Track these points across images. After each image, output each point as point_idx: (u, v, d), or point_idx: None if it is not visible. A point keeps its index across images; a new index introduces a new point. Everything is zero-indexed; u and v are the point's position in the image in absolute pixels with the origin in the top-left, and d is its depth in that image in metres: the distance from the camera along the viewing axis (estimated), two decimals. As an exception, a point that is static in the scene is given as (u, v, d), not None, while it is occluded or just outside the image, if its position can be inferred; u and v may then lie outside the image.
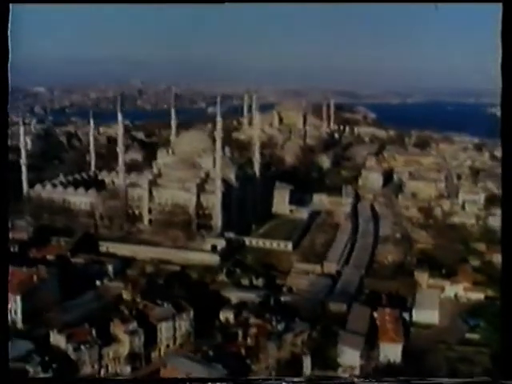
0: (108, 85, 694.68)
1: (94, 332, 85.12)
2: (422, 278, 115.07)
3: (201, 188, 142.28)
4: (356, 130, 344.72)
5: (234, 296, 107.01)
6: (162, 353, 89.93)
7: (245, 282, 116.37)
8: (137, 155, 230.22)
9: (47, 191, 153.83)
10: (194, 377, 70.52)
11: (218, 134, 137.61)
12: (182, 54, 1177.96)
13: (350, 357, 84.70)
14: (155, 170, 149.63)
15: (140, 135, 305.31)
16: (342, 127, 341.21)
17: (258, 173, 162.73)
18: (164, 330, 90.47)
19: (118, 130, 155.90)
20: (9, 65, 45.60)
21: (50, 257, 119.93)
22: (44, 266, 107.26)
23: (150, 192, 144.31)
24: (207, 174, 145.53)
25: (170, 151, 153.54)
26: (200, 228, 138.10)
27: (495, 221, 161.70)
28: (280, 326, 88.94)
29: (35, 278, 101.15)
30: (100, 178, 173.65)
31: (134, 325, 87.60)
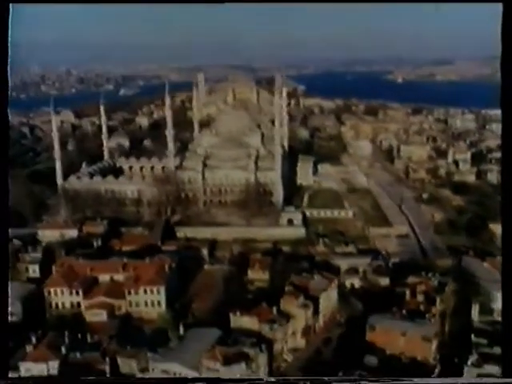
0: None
1: (274, 310, 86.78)
2: (496, 228, 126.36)
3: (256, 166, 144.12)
4: (302, 101, 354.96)
5: (345, 263, 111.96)
6: (320, 322, 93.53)
7: (339, 249, 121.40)
8: (123, 140, 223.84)
9: (84, 182, 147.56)
10: (193, 377, 72.70)
11: (278, 107, 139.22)
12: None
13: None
14: (201, 151, 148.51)
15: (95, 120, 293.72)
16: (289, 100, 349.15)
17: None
18: (323, 300, 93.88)
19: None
20: (9, 64, 46.18)
21: (139, 247, 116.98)
22: (161, 255, 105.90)
23: (203, 174, 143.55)
24: (257, 152, 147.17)
25: (214, 131, 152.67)
26: (261, 205, 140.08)
27: (493, 177, 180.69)
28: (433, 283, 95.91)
29: (167, 267, 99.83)
30: (118, 165, 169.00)
31: (301, 298, 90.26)
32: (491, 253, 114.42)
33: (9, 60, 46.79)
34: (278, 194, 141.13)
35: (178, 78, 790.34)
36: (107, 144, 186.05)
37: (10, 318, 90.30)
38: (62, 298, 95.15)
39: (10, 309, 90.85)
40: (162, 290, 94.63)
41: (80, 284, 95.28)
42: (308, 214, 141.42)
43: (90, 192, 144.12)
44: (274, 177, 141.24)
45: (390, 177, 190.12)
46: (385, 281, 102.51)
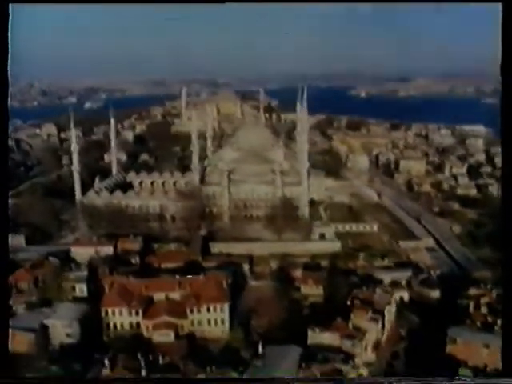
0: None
1: (350, 325, 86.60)
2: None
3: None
4: (282, 116, 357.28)
5: (388, 277, 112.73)
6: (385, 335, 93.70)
7: (377, 263, 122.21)
8: (120, 155, 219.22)
9: (104, 198, 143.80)
10: (193, 377, 74.03)
11: (303, 126, 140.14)
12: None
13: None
14: (223, 166, 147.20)
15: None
16: (269, 114, 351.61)
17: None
18: (387, 313, 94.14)
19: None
20: (9, 64, 45.74)
21: (179, 264, 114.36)
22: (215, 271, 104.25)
23: (228, 188, 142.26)
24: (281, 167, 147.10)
25: (235, 147, 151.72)
26: (290, 219, 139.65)
27: (493, 190, 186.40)
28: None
29: (224, 284, 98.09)
30: (128, 180, 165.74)
31: (370, 312, 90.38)
32: None
33: (9, 60, 46.10)
34: (305, 209, 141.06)
35: (142, 91, 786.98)
36: (109, 158, 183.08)
37: (66, 339, 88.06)
38: (120, 318, 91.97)
39: (66, 330, 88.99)
40: (226, 307, 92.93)
41: (139, 303, 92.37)
42: (334, 228, 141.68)
43: (111, 208, 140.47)
44: (300, 192, 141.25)
45: (393, 191, 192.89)
46: (435, 293, 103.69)
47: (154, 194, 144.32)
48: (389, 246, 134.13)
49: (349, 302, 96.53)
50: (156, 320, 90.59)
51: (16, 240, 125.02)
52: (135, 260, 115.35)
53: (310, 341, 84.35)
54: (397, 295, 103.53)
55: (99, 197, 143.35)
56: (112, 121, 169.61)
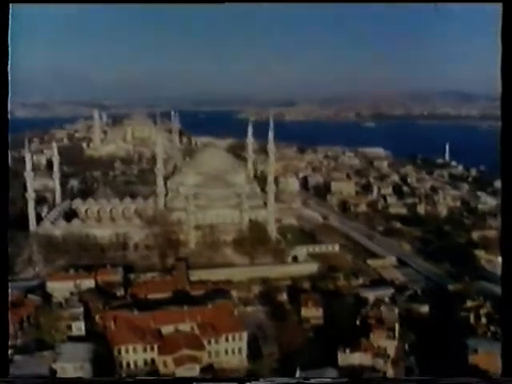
0: None
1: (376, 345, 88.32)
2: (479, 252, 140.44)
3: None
4: (193, 139, 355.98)
5: (371, 295, 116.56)
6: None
7: (354, 283, 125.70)
8: (47, 180, 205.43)
9: (61, 228, 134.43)
10: (193, 376, 78.50)
11: (271, 149, 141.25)
12: None
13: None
14: (186, 191, 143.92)
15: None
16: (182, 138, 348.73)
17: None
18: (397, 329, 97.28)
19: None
20: (9, 64, 46.71)
21: (166, 294, 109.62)
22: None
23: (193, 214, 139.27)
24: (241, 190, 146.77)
25: (196, 171, 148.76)
26: (259, 243, 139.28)
27: (421, 208, 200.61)
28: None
29: (236, 312, 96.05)
30: (73, 207, 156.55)
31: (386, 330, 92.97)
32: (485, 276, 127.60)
33: (9, 61, 46.30)
34: (273, 232, 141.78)
35: (25, 113, 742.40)
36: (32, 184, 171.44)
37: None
38: (134, 355, 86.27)
39: (78, 373, 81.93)
40: (244, 335, 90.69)
41: (152, 338, 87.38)
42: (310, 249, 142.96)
43: (69, 238, 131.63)
44: (266, 215, 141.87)
45: (328, 212, 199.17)
46: (424, 308, 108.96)
47: (116, 222, 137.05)
48: (355, 265, 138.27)
49: (358, 322, 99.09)
50: (175, 354, 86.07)
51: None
52: (120, 292, 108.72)
53: (341, 362, 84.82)
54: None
55: (56, 226, 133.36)
56: (55, 144, 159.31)
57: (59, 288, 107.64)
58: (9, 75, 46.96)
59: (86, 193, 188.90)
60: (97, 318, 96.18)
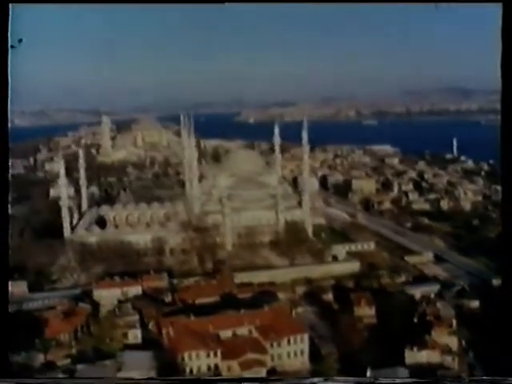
0: None
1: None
2: None
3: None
4: (202, 143, 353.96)
5: (418, 292, 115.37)
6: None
7: (399, 280, 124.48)
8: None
9: (96, 234, 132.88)
10: (193, 377, 78.06)
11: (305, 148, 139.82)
12: None
13: None
14: (219, 193, 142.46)
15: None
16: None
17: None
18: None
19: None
20: (9, 65, 45.43)
21: (214, 298, 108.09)
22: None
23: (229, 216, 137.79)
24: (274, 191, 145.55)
25: (229, 173, 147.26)
26: (297, 244, 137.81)
27: (444, 204, 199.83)
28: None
29: (293, 313, 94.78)
30: (102, 213, 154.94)
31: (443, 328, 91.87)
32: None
33: (9, 61, 44.61)
34: (310, 232, 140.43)
35: (25, 122, 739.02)
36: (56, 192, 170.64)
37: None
38: (197, 361, 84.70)
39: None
40: (306, 337, 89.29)
41: (215, 343, 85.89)
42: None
43: (104, 244, 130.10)
44: (301, 215, 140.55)
45: (353, 210, 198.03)
46: (475, 303, 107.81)
47: (151, 227, 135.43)
48: (394, 263, 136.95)
49: (416, 319, 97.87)
50: (241, 359, 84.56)
51: (17, 287, 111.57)
52: (167, 298, 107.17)
53: (408, 360, 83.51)
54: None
55: (90, 233, 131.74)
56: (80, 151, 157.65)
57: (106, 296, 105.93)
58: (9, 75, 44.97)
59: (107, 199, 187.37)
60: (151, 324, 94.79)
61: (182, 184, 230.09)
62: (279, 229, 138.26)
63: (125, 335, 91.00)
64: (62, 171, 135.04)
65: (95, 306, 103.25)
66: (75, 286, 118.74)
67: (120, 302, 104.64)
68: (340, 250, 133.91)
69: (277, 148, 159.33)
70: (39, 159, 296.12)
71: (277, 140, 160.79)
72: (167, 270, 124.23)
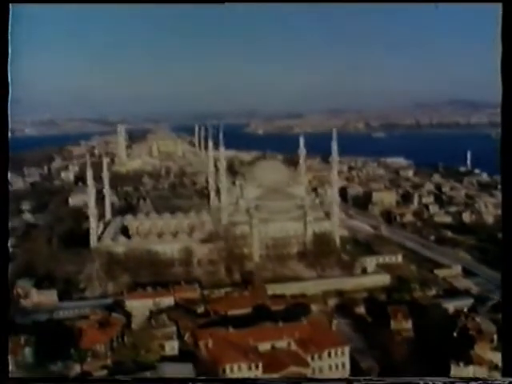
0: None
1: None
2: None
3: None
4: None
5: (451, 305, 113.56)
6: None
7: (430, 293, 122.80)
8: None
9: (122, 243, 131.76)
10: (193, 377, 75.22)
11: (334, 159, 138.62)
12: None
13: None
14: (247, 204, 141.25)
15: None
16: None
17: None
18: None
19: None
20: (9, 65, 46.06)
21: (246, 310, 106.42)
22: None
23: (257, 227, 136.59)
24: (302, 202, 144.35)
25: (256, 184, 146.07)
26: (321, 255, 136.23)
27: (466, 217, 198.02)
28: None
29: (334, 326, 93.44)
30: (125, 223, 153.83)
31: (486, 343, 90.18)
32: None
33: (9, 61, 45.52)
34: (337, 243, 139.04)
35: (32, 131, 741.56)
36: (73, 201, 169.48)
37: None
38: (238, 374, 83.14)
39: None
40: (347, 350, 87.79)
41: (256, 356, 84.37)
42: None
43: (131, 254, 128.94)
44: (330, 226, 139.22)
45: (374, 222, 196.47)
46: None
47: (177, 237, 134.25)
48: (422, 276, 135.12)
49: (456, 334, 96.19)
50: (282, 372, 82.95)
51: (46, 296, 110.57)
52: (200, 309, 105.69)
53: (454, 375, 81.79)
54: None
55: (116, 243, 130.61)
56: (105, 160, 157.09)
57: (138, 306, 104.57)
58: (9, 76, 45.85)
59: (127, 208, 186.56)
60: (186, 336, 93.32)
61: (200, 194, 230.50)
62: (307, 240, 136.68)
63: (161, 346, 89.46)
64: (91, 180, 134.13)
65: (127, 316, 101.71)
66: (104, 295, 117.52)
67: (152, 312, 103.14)
68: (370, 262, 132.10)
69: (302, 159, 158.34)
70: (53, 168, 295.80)
71: (302, 151, 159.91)
72: (195, 280, 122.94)
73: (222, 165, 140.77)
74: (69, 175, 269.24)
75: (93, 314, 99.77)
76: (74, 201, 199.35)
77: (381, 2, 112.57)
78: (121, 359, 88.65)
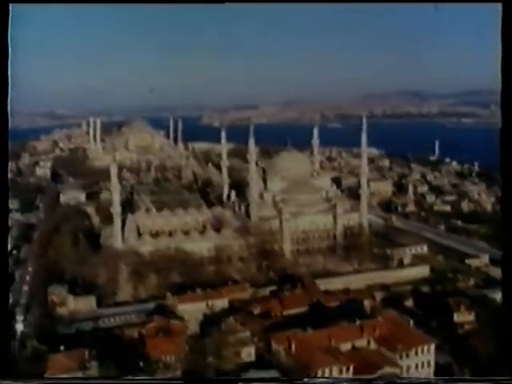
0: None
1: None
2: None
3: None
4: (190, 146, 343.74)
5: (497, 296, 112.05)
6: None
7: (470, 284, 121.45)
8: (78, 193, 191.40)
9: (148, 243, 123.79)
10: (193, 377, 76.14)
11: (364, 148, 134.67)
12: None
13: None
14: (277, 198, 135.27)
15: None
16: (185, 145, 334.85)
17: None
18: None
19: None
20: (9, 64, 45.39)
21: (303, 308, 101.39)
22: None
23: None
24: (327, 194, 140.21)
25: (279, 176, 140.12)
26: (354, 248, 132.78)
27: (465, 206, 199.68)
28: None
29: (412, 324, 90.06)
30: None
31: None
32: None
33: (9, 61, 45.05)
34: (366, 236, 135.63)
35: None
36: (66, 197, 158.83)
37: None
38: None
39: None
40: (432, 348, 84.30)
41: (347, 358, 79.69)
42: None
43: (157, 254, 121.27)
44: (360, 218, 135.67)
45: (375, 212, 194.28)
46: None
47: (205, 234, 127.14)
48: (452, 266, 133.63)
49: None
50: (376, 374, 78.47)
51: (84, 303, 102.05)
52: (256, 310, 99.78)
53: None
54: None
55: (141, 243, 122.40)
56: (112, 157, 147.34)
57: (190, 310, 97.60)
58: (9, 76, 45.27)
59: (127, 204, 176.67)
60: (257, 339, 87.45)
61: (189, 188, 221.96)
62: (338, 233, 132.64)
63: (237, 354, 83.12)
64: (115, 178, 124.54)
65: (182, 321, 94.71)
66: (142, 299, 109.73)
67: (206, 316, 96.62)
68: (407, 254, 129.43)
69: (315, 150, 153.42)
70: (23, 164, 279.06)
71: (315, 142, 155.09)
72: (230, 279, 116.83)
73: (252, 158, 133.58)
74: (46, 171, 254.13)
75: (149, 321, 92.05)
76: (65, 198, 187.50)
77: (381, 2, 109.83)
78: (193, 368, 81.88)
